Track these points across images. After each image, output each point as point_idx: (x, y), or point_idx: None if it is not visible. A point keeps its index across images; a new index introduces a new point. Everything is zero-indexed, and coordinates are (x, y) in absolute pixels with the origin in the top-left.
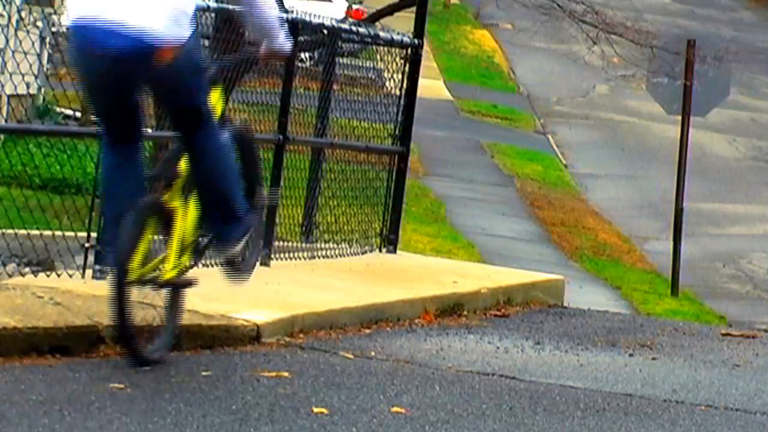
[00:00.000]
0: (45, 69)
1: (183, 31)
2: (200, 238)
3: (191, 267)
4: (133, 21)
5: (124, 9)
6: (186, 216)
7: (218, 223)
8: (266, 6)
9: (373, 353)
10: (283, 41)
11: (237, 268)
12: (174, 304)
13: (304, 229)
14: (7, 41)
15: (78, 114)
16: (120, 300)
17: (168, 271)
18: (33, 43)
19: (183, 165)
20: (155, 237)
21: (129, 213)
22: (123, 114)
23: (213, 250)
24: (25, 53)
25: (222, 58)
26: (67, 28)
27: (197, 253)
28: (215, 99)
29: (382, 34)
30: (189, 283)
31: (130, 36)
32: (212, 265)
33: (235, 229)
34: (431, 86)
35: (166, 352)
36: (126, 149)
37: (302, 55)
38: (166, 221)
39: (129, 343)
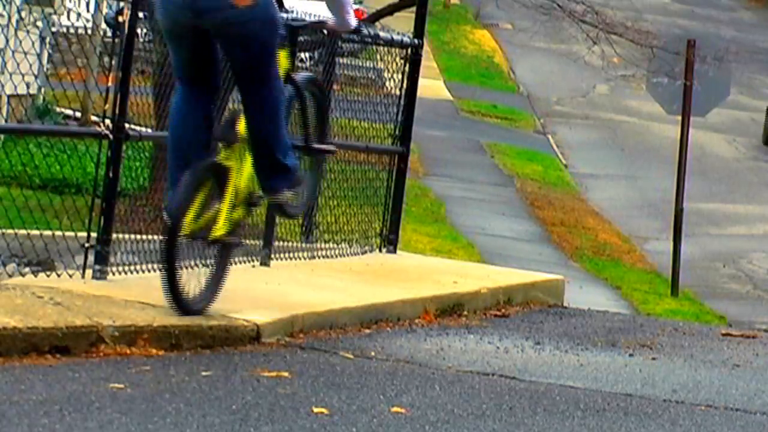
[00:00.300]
0: (45, 69)
1: None
2: (253, 191)
3: (243, 220)
4: None
5: None
6: (241, 173)
7: (269, 174)
8: None
9: (373, 353)
10: (350, 18)
11: (284, 210)
12: (221, 261)
13: (304, 229)
14: (7, 41)
15: (78, 114)
16: (170, 251)
17: (218, 229)
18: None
19: (242, 126)
20: (210, 194)
21: (189, 170)
22: (201, 61)
23: (264, 198)
24: (25, 53)
25: (294, 20)
26: None
27: (250, 205)
28: (282, 57)
29: (382, 34)
30: (237, 244)
31: None
32: (212, 265)
33: (284, 179)
34: (431, 86)
35: (207, 306)
36: (199, 98)
37: (302, 55)
38: (221, 180)
39: (174, 292)
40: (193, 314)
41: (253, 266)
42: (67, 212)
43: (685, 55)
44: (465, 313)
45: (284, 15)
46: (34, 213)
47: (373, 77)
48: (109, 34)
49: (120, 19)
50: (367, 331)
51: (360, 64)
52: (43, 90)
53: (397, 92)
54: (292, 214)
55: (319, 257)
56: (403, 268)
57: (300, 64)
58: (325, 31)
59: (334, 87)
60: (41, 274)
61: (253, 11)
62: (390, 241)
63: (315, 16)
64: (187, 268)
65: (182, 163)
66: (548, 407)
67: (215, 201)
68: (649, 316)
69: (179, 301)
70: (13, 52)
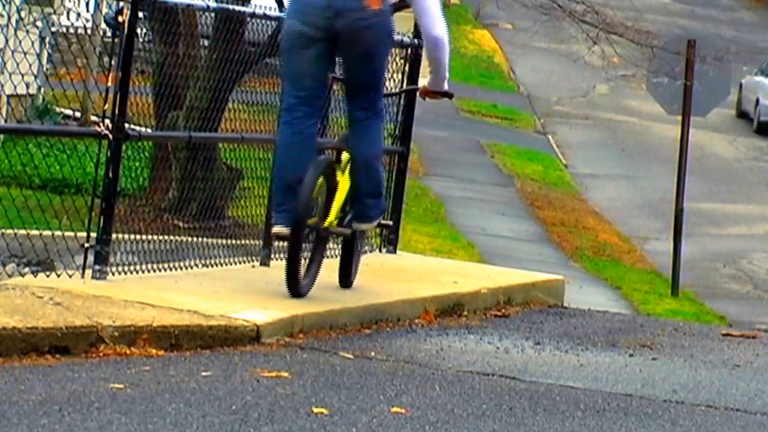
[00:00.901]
0: (45, 69)
1: None
2: (346, 210)
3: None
4: None
5: None
6: (343, 188)
7: (363, 199)
8: (445, 52)
9: (373, 353)
10: (446, 82)
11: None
12: (319, 250)
13: None
14: (7, 41)
15: (78, 114)
16: (296, 241)
17: (329, 221)
18: (33, 43)
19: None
20: (323, 191)
21: (310, 170)
22: (317, 73)
23: (354, 221)
24: (25, 53)
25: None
26: None
27: (341, 223)
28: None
29: None
30: (345, 233)
31: None
32: (212, 265)
33: (376, 206)
34: None
35: (309, 290)
36: (309, 124)
37: None
38: (331, 188)
39: (293, 278)
40: (302, 297)
41: (253, 266)
42: (67, 212)
43: (685, 55)
44: (465, 313)
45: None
46: (34, 213)
47: None
48: (109, 34)
49: (120, 19)
50: (367, 331)
51: None
52: (42, 90)
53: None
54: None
55: None
56: (403, 268)
57: None
58: (418, 93)
59: (334, 87)
60: (41, 274)
61: (379, 18)
62: (390, 241)
63: None
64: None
65: (290, 192)
66: (548, 407)
67: (328, 198)
68: (650, 316)
69: (295, 288)
70: (12, 52)
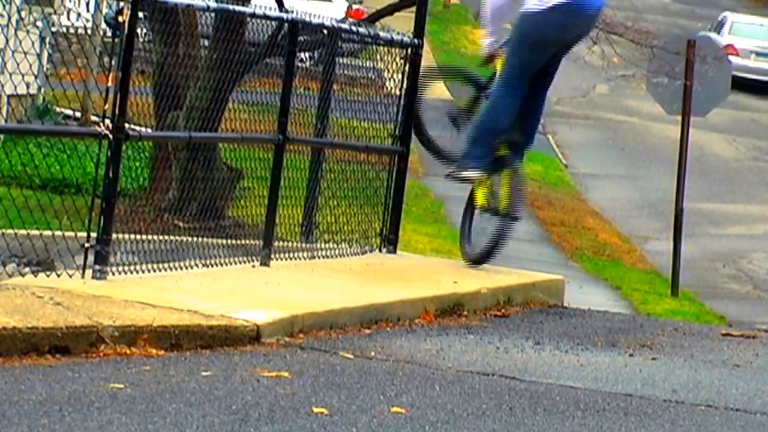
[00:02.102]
0: (45, 69)
1: None
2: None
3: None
4: None
5: None
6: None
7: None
8: None
9: (373, 353)
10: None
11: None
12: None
13: (304, 229)
14: (7, 41)
15: (78, 114)
16: (469, 214)
17: (502, 203)
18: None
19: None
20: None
21: (492, 157)
22: (546, 66)
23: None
24: (25, 53)
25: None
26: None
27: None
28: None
29: (382, 34)
30: (516, 218)
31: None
32: (212, 265)
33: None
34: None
35: (482, 258)
36: (523, 96)
37: (302, 55)
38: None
39: (464, 246)
40: (475, 265)
41: (253, 266)
42: (67, 212)
43: (685, 55)
44: (465, 313)
45: (284, 15)
46: (34, 213)
47: (373, 77)
48: (109, 34)
49: (120, 19)
50: (367, 331)
51: (360, 64)
52: (43, 90)
53: (397, 92)
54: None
55: (319, 257)
56: (403, 268)
57: (300, 64)
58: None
59: (334, 87)
60: (41, 274)
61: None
62: (390, 241)
63: (315, 16)
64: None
65: (492, 147)
66: (548, 407)
67: (502, 181)
68: (649, 316)
69: (466, 255)
70: (13, 52)
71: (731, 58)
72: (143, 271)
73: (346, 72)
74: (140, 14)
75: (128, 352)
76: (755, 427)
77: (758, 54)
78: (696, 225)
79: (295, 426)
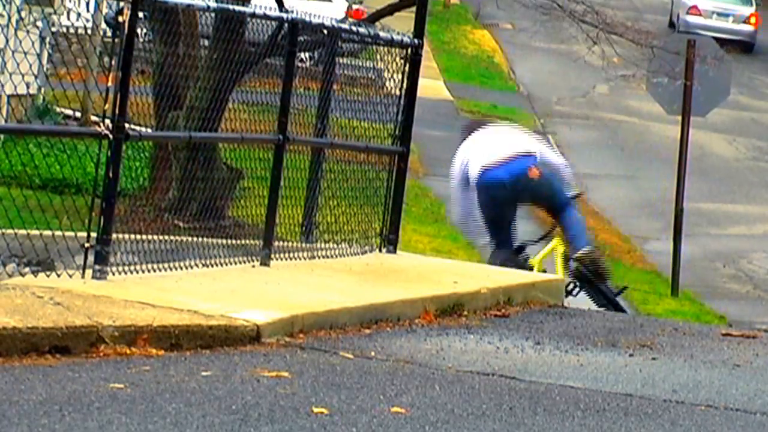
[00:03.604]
0: (45, 69)
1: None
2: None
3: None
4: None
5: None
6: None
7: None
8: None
9: (373, 353)
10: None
11: None
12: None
13: (304, 229)
14: (7, 41)
15: (78, 114)
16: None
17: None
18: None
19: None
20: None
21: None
22: (508, 227)
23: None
24: (25, 53)
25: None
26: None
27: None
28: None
29: (382, 34)
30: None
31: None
32: (212, 265)
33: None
34: (431, 86)
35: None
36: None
37: (302, 55)
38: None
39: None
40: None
41: (253, 266)
42: (67, 212)
43: (685, 55)
44: (465, 313)
45: (284, 15)
46: (34, 213)
47: (373, 77)
48: (109, 34)
49: (120, 19)
50: (367, 331)
51: (360, 64)
52: (43, 90)
53: (397, 92)
54: None
55: (319, 257)
56: (403, 268)
57: (300, 64)
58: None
59: (334, 87)
60: (41, 274)
61: (544, 175)
62: (390, 241)
63: (315, 16)
64: None
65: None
66: (548, 407)
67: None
68: (649, 316)
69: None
70: (13, 52)
71: (695, 18)
72: (143, 271)
73: (346, 72)
74: (140, 14)
75: (128, 352)
76: (755, 427)
77: (719, 14)
78: (696, 225)
79: (295, 426)
